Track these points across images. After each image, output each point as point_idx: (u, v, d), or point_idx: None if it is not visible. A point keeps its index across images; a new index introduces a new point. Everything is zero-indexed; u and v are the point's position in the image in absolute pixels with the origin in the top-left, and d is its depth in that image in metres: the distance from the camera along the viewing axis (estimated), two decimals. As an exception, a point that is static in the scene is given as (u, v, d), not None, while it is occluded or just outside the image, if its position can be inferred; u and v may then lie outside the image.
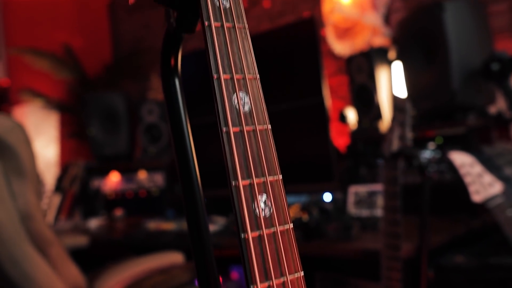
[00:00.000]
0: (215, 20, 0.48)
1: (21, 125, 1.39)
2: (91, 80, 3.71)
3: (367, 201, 2.09)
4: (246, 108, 0.47)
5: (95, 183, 2.92)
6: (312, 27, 2.43)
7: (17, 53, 3.52)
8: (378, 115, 2.16)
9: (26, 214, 1.39)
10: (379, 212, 2.00)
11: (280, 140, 2.60)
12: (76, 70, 3.67)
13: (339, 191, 2.25)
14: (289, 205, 1.84)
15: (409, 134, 1.35)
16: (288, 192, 1.93)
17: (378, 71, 2.17)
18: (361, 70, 2.24)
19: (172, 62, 0.63)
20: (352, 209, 2.10)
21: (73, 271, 1.55)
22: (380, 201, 2.06)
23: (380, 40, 2.18)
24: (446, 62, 1.84)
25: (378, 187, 2.08)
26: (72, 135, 3.67)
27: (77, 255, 1.72)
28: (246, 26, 0.50)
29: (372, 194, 2.09)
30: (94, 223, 2.66)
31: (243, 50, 0.49)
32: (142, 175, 2.89)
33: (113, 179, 2.93)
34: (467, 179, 1.34)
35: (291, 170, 2.54)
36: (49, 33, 3.71)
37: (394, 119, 1.39)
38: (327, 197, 2.28)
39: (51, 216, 2.70)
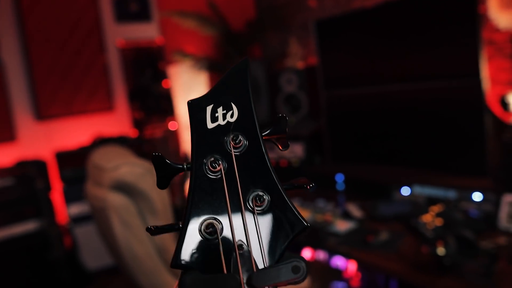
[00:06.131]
0: None
1: (152, 169, 1.48)
2: (235, 34, 3.73)
3: (525, 215, 1.80)
4: None
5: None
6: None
7: (167, 15, 3.68)
8: (549, 114, 1.76)
9: (162, 248, 1.53)
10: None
11: (429, 122, 2.38)
12: (221, 25, 3.71)
13: (492, 192, 1.97)
14: (433, 201, 1.71)
15: None
16: (435, 184, 1.81)
17: (555, 58, 1.73)
18: (531, 53, 1.81)
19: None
20: (504, 222, 1.84)
21: None
22: (542, 217, 1.76)
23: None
24: None
25: (541, 201, 1.76)
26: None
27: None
28: None
29: (532, 208, 1.79)
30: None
31: None
32: (282, 145, 2.92)
33: (255, 148, 3.02)
34: None
35: (439, 157, 2.30)
36: (194, -9, 3.77)
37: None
38: (477, 197, 2.03)
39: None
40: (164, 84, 3.96)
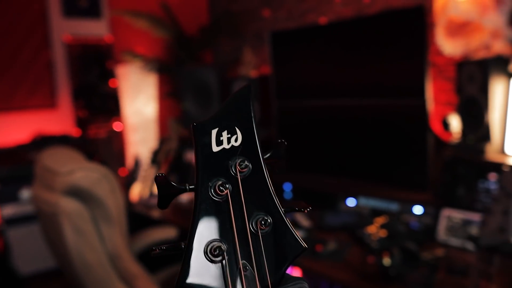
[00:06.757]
0: None
1: (108, 175, 1.44)
2: (188, 38, 3.71)
3: (460, 229, 1.93)
4: None
5: (188, 156, 3.03)
6: (420, 18, 2.14)
7: (119, 14, 3.59)
8: (486, 136, 1.91)
9: (114, 255, 1.49)
10: (470, 245, 1.85)
11: (375, 137, 2.48)
12: (173, 28, 3.67)
13: (432, 206, 2.10)
14: (377, 213, 1.78)
15: (512, 226, 1.18)
16: (378, 196, 1.89)
17: (493, 85, 1.88)
18: (472, 80, 1.95)
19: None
20: (442, 235, 1.97)
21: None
22: (474, 231, 1.90)
23: (500, 45, 1.84)
24: None
25: (475, 216, 1.90)
26: (168, 95, 3.78)
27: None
28: None
29: (466, 223, 1.92)
30: (185, 197, 2.81)
31: None
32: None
33: (205, 153, 3.01)
34: None
35: (384, 171, 2.41)
36: (148, -9, 3.70)
37: (498, 201, 1.21)
38: (418, 210, 2.15)
39: (147, 189, 2.90)
40: (111, 83, 3.85)
